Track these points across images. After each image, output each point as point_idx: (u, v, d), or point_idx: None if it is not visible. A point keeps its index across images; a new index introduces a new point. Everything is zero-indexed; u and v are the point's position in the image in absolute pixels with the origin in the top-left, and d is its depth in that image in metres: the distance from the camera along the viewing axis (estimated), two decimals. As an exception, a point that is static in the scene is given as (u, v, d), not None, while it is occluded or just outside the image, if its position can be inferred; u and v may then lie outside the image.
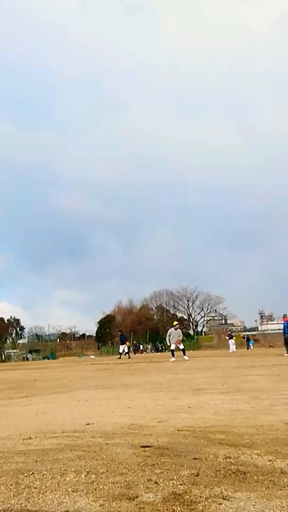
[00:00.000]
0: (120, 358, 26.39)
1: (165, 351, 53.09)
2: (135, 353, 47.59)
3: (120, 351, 27.29)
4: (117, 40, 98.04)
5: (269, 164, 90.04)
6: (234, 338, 34.01)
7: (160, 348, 54.86)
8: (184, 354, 18.27)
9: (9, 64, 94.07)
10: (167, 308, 73.80)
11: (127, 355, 27.14)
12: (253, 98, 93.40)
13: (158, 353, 46.23)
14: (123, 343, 27.34)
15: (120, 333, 29.98)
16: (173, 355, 18.45)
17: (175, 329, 18.55)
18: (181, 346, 18.58)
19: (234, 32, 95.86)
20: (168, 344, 19.01)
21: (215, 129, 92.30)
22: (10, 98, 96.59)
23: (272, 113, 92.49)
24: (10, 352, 58.72)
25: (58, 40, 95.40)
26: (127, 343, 29.06)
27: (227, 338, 33.12)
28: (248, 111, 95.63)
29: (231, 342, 32.14)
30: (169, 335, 18.56)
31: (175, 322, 20.90)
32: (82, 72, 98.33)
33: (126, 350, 27.16)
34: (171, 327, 19.19)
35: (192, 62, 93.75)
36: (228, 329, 51.62)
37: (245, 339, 44.17)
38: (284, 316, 18.76)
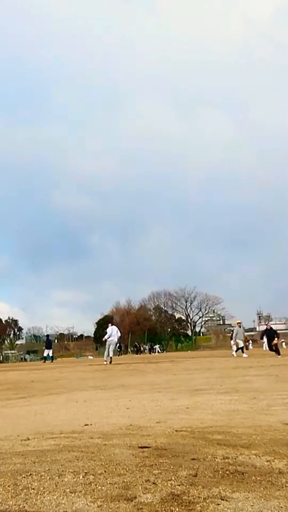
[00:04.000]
0: (44, 362, 26.25)
1: (163, 351, 52.97)
2: (137, 354, 47.49)
3: (45, 355, 26.99)
4: (114, 31, 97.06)
5: (269, 160, 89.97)
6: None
7: (155, 349, 54.48)
8: (236, 351, 19.10)
9: (5, 59, 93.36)
10: (165, 308, 73.90)
11: (51, 359, 26.80)
12: (254, 91, 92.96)
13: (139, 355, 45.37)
14: (48, 347, 27.13)
15: (47, 337, 29.95)
16: (243, 351, 19.10)
17: (239, 327, 19.57)
18: (241, 344, 19.41)
19: (234, 23, 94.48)
20: (236, 341, 19.70)
21: (215, 123, 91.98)
22: (6, 93, 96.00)
23: (273, 106, 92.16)
24: (8, 353, 58.54)
25: (55, 33, 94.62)
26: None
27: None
28: (249, 104, 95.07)
29: (232, 343, 32.24)
30: (236, 334, 19.38)
31: (238, 320, 21.62)
32: (79, 66, 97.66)
33: (50, 354, 26.90)
34: (233, 327, 20.06)
35: (191, 54, 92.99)
36: (230, 330, 51.72)
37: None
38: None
